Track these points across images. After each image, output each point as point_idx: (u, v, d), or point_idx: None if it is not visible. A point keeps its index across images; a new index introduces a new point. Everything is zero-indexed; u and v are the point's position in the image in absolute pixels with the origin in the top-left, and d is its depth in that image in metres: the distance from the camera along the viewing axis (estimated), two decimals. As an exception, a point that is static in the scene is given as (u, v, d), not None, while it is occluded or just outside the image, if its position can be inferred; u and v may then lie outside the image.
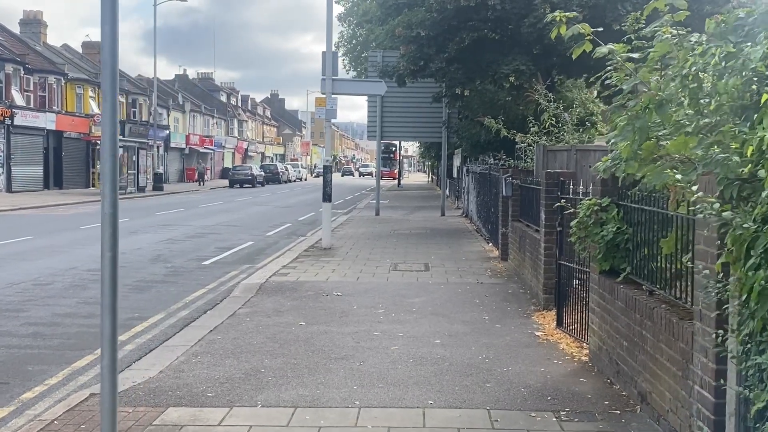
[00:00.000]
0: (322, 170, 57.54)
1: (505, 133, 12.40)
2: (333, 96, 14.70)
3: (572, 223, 6.41)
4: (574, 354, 6.96)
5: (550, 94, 11.55)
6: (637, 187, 5.76)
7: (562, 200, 7.12)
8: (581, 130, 11.78)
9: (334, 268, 12.23)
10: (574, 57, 5.92)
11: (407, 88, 22.22)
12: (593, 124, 13.94)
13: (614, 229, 5.95)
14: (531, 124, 11.65)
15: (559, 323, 7.89)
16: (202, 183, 53.14)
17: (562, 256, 7.90)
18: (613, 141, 6.35)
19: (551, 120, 11.36)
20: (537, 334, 7.76)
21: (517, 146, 13.02)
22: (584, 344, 7.09)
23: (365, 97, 25.38)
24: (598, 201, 6.21)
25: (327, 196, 14.88)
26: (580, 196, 7.40)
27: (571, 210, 6.70)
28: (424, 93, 22.75)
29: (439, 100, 21.12)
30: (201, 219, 23.10)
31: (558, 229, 7.96)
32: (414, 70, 18.59)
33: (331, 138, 15.19)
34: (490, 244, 15.37)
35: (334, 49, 52.22)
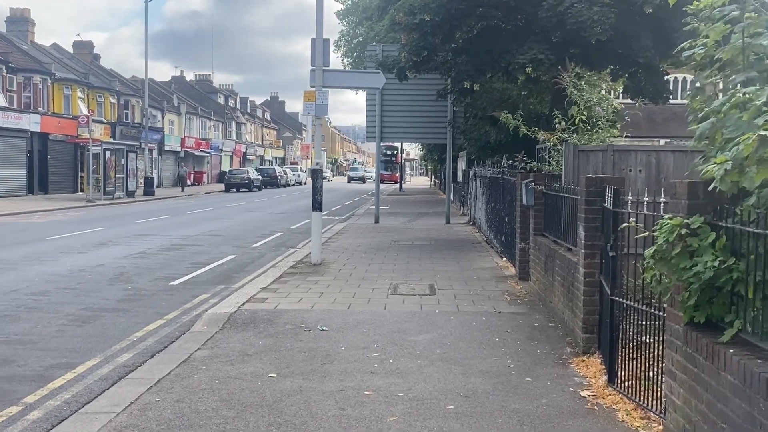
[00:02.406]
0: (325, 174, 54.71)
1: (525, 131, 10.48)
2: (323, 89, 12.77)
3: (647, 253, 4.46)
4: (640, 431, 5.02)
5: (581, 82, 9.64)
6: (752, 201, 3.84)
7: (632, 220, 5.14)
8: (616, 126, 9.85)
9: (323, 290, 10.29)
10: (671, 2, 3.97)
11: (409, 85, 20.29)
12: (614, 123, 11.99)
13: (715, 264, 4.01)
14: (557, 120, 9.74)
15: (611, 379, 5.94)
16: (183, 188, 49.79)
17: (615, 289, 5.95)
18: (701, 135, 4.47)
19: (581, 115, 9.44)
20: (582, 394, 5.82)
21: (538, 146, 11.08)
22: (652, 414, 5.17)
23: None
24: (686, 221, 4.27)
25: (317, 205, 12.94)
26: (645, 210, 5.48)
27: (644, 233, 4.75)
28: (427, 90, 20.85)
29: (444, 97, 19.18)
30: (184, 228, 21.17)
31: (611, 253, 6.00)
32: (417, 61, 16.66)
33: (320, 138, 13.28)
34: (504, 258, 13.44)
35: (333, 50, 49.94)
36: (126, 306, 9.67)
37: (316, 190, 12.91)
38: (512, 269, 12.16)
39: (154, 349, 7.42)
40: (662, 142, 24.24)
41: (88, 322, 8.68)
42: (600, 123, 9.45)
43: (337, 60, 44.82)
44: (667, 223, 4.37)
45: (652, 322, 5.31)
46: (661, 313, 4.98)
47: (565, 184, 9.01)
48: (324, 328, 7.99)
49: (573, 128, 9.74)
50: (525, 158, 10.54)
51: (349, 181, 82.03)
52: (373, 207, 24.00)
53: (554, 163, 9.96)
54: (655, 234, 4.46)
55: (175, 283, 11.47)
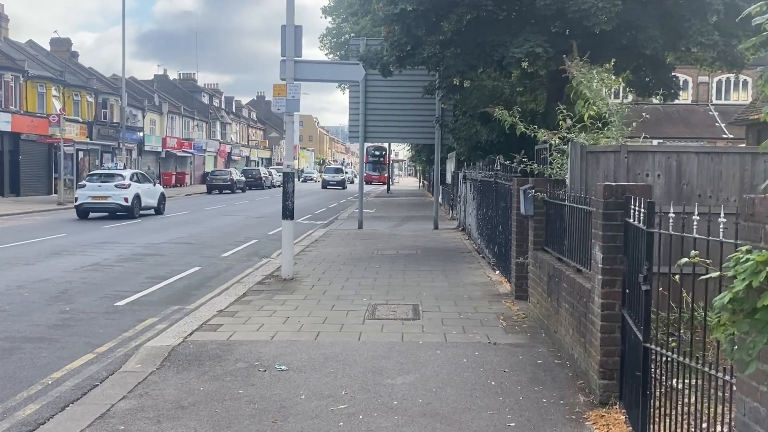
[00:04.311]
0: (309, 175, 53.88)
1: (523, 129, 9.11)
2: (295, 82, 11.36)
3: (717, 302, 3.08)
4: None
5: (593, 71, 8.29)
6: None
7: (695, 254, 3.71)
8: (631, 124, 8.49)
9: (289, 314, 8.88)
10: None
11: (395, 82, 18.93)
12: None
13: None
14: (560, 116, 8.38)
15: (644, 449, 4.58)
16: None
17: (649, 334, 4.58)
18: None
19: (591, 110, 8.09)
20: (608, 471, 4.44)
21: (537, 147, 9.71)
22: None
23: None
24: (776, 255, 2.90)
25: (288, 212, 11.52)
26: (693, 234, 4.08)
27: (714, 272, 3.35)
28: (414, 87, 19.50)
29: (431, 93, 17.77)
30: (152, 234, 19.68)
31: (643, 287, 4.62)
32: (400, 56, 15.30)
33: (293, 137, 11.86)
34: (498, 272, 12.08)
35: (319, 47, 48.51)
36: (56, 334, 8.22)
37: (287, 196, 11.50)
38: (507, 285, 10.80)
39: (69, 398, 5.99)
40: (655, 143, 23.03)
41: (3, 357, 7.22)
42: (613, 120, 8.08)
43: (322, 57, 43.42)
44: (748, 260, 3.00)
45: (705, 382, 3.94)
46: (726, 378, 3.61)
47: (571, 191, 7.65)
48: (283, 367, 6.58)
49: (580, 126, 8.38)
50: (525, 159, 9.15)
51: (324, 186, 61.72)
52: (358, 211, 22.58)
53: (557, 166, 8.59)
54: (728, 274, 3.10)
55: (122, 303, 10.01)
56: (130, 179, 25.39)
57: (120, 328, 8.54)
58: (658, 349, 4.40)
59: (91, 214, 25.21)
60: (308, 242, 17.26)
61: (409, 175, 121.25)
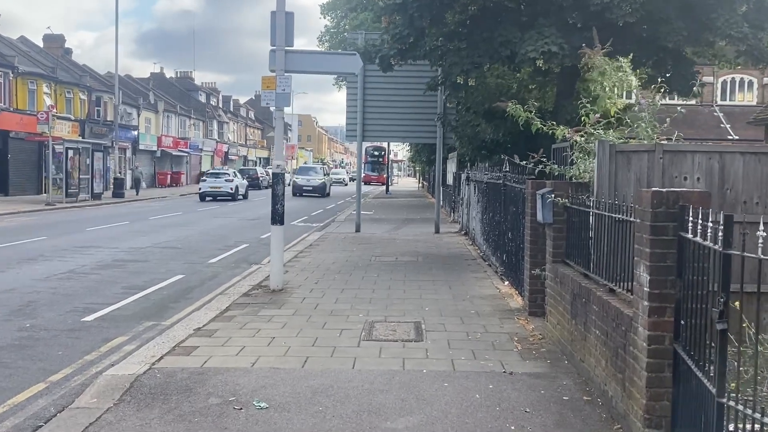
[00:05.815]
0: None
1: (540, 126, 8.10)
2: (286, 74, 10.34)
3: None
4: None
5: (623, 61, 7.30)
6: None
7: None
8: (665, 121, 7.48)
9: (275, 333, 7.86)
10: None
11: (394, 77, 17.89)
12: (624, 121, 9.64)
13: None
14: (583, 112, 7.38)
15: None
16: (137, 191, 43.09)
17: (723, 388, 3.55)
18: None
19: (614, 108, 7.10)
20: None
21: (554, 146, 8.69)
22: None
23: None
24: None
25: (277, 217, 10.50)
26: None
27: None
28: (415, 83, 18.50)
29: (434, 89, 16.75)
30: (138, 237, 18.63)
31: (718, 326, 3.60)
32: (401, 49, 14.30)
33: (281, 134, 10.82)
34: (507, 282, 11.06)
35: (317, 44, 47.18)
36: (7, 357, 7.19)
37: (277, 199, 10.48)
38: (519, 299, 9.79)
39: (3, 444, 4.98)
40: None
41: (-64, 389, 6.20)
42: (643, 115, 7.07)
43: (320, 55, 42.28)
44: None
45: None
46: None
47: (599, 196, 6.65)
48: (262, 404, 5.56)
49: (605, 122, 7.39)
50: (543, 158, 8.12)
51: (297, 193, 44.30)
52: (355, 213, 21.55)
53: (580, 167, 7.56)
54: None
55: (90, 318, 8.97)
56: (233, 176, 40.16)
57: (83, 349, 7.51)
58: (742, 408, 3.37)
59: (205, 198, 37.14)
60: (302, 247, 16.25)
61: (408, 175, 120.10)
